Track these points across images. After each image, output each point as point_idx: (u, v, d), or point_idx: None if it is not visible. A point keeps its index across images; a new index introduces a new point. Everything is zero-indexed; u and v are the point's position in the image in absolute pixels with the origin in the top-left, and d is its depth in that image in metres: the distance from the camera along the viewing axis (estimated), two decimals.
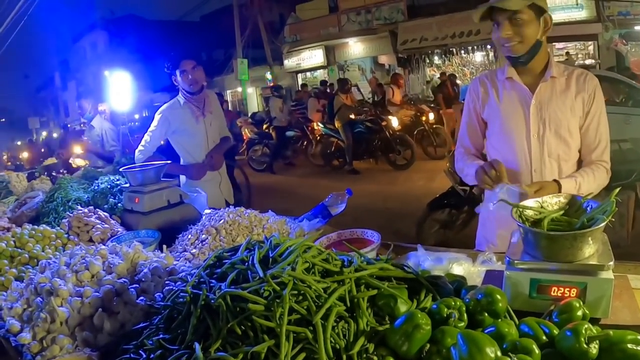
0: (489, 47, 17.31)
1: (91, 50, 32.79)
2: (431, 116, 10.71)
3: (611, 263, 1.17)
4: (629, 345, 0.91)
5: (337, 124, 10.49)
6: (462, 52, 18.28)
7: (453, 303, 1.07)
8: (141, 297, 1.42)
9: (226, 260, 1.21)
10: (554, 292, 1.20)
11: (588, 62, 13.54)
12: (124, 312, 1.36)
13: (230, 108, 18.44)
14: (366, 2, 19.47)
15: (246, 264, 1.16)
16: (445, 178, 5.02)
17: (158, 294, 1.42)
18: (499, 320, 1.06)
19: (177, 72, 3.26)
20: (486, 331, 1.01)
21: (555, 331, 1.01)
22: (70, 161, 4.82)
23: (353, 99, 11.00)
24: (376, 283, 1.11)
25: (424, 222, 5.04)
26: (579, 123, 1.96)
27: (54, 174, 3.71)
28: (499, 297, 1.08)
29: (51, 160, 5.03)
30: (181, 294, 1.16)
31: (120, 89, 3.48)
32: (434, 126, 10.53)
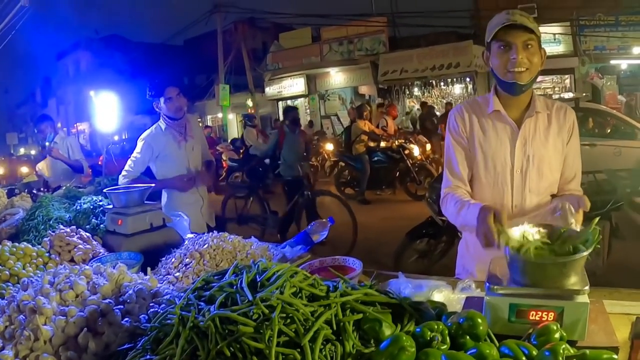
0: (467, 79, 17.77)
1: (74, 69, 32.66)
2: (428, 147, 10.62)
3: (587, 288, 1.23)
4: None
5: (354, 152, 10.31)
6: (442, 84, 18.72)
7: (436, 326, 1.11)
8: (126, 319, 1.42)
9: (214, 284, 1.24)
10: (532, 316, 1.25)
11: (566, 95, 13.97)
12: (109, 333, 1.36)
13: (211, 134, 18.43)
14: (348, 32, 19.90)
15: (234, 287, 1.18)
16: None
17: (143, 315, 1.43)
18: (480, 342, 1.10)
19: (161, 100, 3.31)
20: (468, 353, 1.04)
21: (534, 352, 1.05)
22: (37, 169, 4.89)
23: (371, 126, 10.87)
24: (362, 307, 1.14)
25: (403, 252, 5.10)
26: (559, 158, 2.00)
27: (34, 191, 3.68)
28: (479, 320, 1.12)
29: (31, 178, 5.00)
30: (169, 315, 1.17)
31: (105, 109, 3.49)
32: (430, 157, 10.44)
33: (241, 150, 13.00)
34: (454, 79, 18.31)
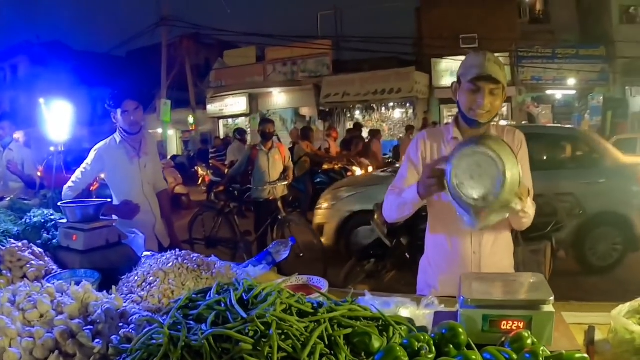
0: (407, 105, 18.36)
1: (11, 74, 30.77)
2: (370, 169, 10.66)
3: (551, 298, 1.36)
4: None
5: (297, 173, 9.95)
6: (383, 108, 19.20)
7: (422, 337, 1.17)
8: (97, 340, 1.36)
9: (200, 302, 1.22)
10: (504, 326, 1.35)
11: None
12: (81, 355, 1.30)
13: None
14: (293, 54, 20.14)
15: (222, 304, 1.17)
16: None
17: (114, 336, 1.37)
18: (464, 350, 1.18)
19: (119, 111, 3.23)
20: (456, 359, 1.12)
21: (514, 356, 1.14)
22: None
23: (314, 147, 10.82)
24: (351, 322, 1.17)
25: (351, 272, 5.15)
26: None
27: None
28: (460, 330, 1.21)
29: None
30: (154, 335, 1.14)
31: (56, 118, 3.33)
32: None
33: (225, 164, 12.53)
34: (395, 104, 18.87)
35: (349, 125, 19.97)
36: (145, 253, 2.54)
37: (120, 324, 1.46)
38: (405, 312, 1.68)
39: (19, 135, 6.04)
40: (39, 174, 5.19)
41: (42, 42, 30.79)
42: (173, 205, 12.09)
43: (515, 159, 1.76)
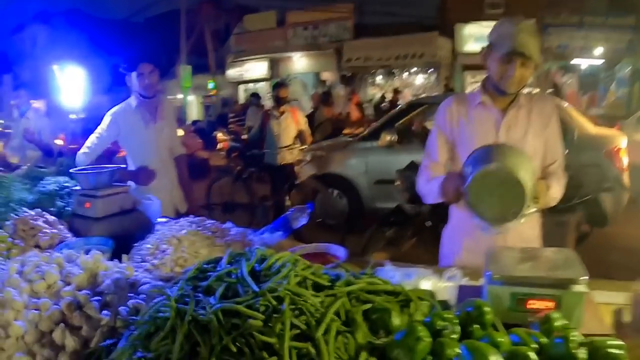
0: (430, 70, 17.93)
1: (31, 43, 30.83)
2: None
3: (583, 277, 1.26)
4: (610, 350, 1.01)
5: (317, 138, 10.02)
6: (405, 73, 18.80)
7: (446, 315, 1.09)
8: (105, 311, 1.31)
9: (210, 273, 1.15)
10: (532, 305, 1.26)
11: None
12: (88, 328, 1.25)
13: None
14: (314, 18, 19.71)
15: (232, 276, 1.10)
16: None
17: (123, 308, 1.32)
18: (491, 331, 1.10)
19: (133, 75, 3.14)
20: (481, 341, 1.03)
21: (543, 339, 1.06)
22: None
23: (334, 112, 10.67)
24: (370, 297, 1.09)
25: (370, 239, 5.08)
26: (540, 143, 2.10)
27: None
28: (487, 309, 1.13)
29: None
30: (162, 308, 1.08)
31: (71, 84, 3.28)
32: None
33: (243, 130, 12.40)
34: (417, 69, 18.45)
35: (371, 90, 19.68)
36: (160, 219, 2.49)
37: (130, 294, 1.41)
38: (426, 284, 1.60)
39: (39, 104, 6.01)
40: (61, 142, 5.23)
41: (61, 10, 30.79)
42: (192, 170, 12.17)
43: (531, 166, 1.77)
